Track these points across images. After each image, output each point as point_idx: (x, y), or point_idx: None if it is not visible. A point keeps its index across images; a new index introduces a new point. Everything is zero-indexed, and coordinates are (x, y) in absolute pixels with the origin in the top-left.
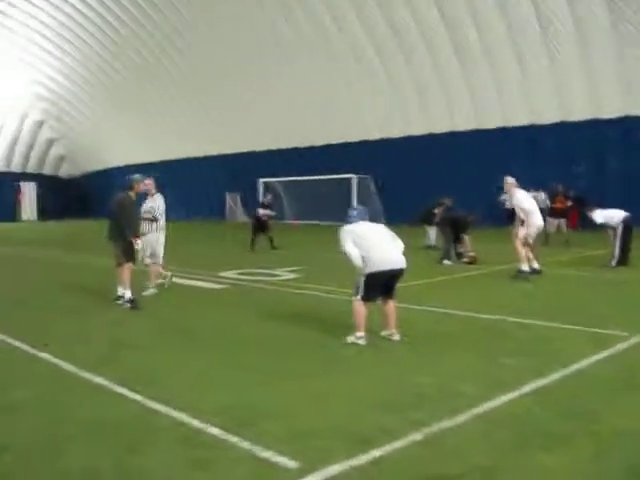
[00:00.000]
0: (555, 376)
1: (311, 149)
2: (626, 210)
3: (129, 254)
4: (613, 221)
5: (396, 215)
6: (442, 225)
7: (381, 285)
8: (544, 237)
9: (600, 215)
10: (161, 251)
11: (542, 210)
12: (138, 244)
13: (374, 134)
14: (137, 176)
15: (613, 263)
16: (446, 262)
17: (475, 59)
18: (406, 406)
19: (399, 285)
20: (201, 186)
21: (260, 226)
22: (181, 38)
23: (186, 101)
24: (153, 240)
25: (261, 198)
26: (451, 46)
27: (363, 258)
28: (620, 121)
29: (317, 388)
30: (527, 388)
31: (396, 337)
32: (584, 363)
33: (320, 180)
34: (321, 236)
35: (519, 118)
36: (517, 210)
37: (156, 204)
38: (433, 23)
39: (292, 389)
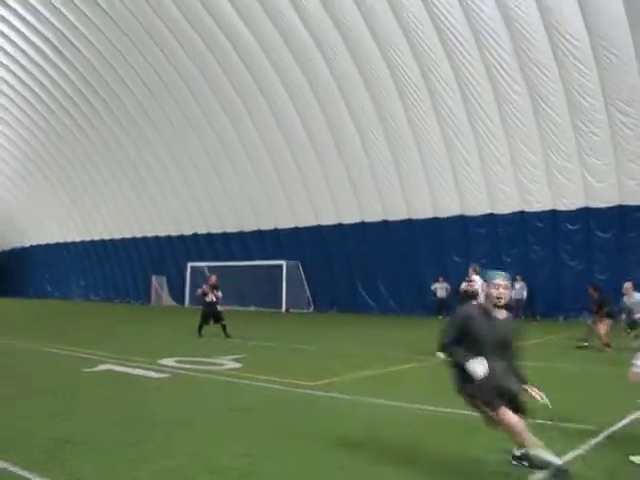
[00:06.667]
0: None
1: (241, 234)
2: None
3: None
4: None
5: (323, 303)
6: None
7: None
8: None
9: None
10: None
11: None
12: None
13: (306, 221)
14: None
15: None
16: None
17: (406, 148)
18: None
19: None
20: (127, 268)
21: (212, 311)
22: (116, 122)
23: (116, 181)
24: None
25: (208, 280)
26: (384, 138)
27: None
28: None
29: None
30: None
31: None
32: (566, 460)
33: (249, 266)
34: (253, 322)
35: (451, 208)
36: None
37: None
38: (369, 116)
39: None
